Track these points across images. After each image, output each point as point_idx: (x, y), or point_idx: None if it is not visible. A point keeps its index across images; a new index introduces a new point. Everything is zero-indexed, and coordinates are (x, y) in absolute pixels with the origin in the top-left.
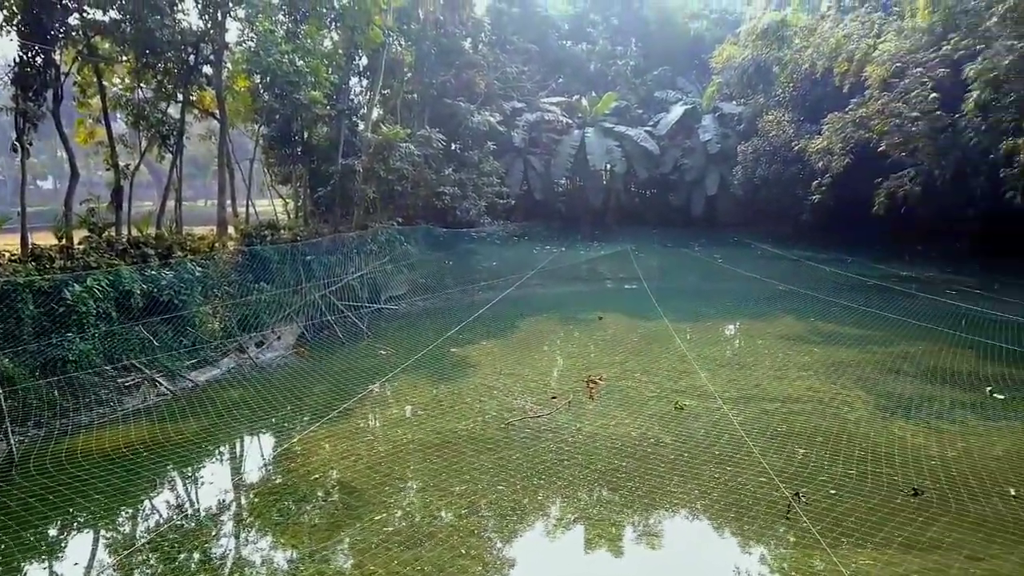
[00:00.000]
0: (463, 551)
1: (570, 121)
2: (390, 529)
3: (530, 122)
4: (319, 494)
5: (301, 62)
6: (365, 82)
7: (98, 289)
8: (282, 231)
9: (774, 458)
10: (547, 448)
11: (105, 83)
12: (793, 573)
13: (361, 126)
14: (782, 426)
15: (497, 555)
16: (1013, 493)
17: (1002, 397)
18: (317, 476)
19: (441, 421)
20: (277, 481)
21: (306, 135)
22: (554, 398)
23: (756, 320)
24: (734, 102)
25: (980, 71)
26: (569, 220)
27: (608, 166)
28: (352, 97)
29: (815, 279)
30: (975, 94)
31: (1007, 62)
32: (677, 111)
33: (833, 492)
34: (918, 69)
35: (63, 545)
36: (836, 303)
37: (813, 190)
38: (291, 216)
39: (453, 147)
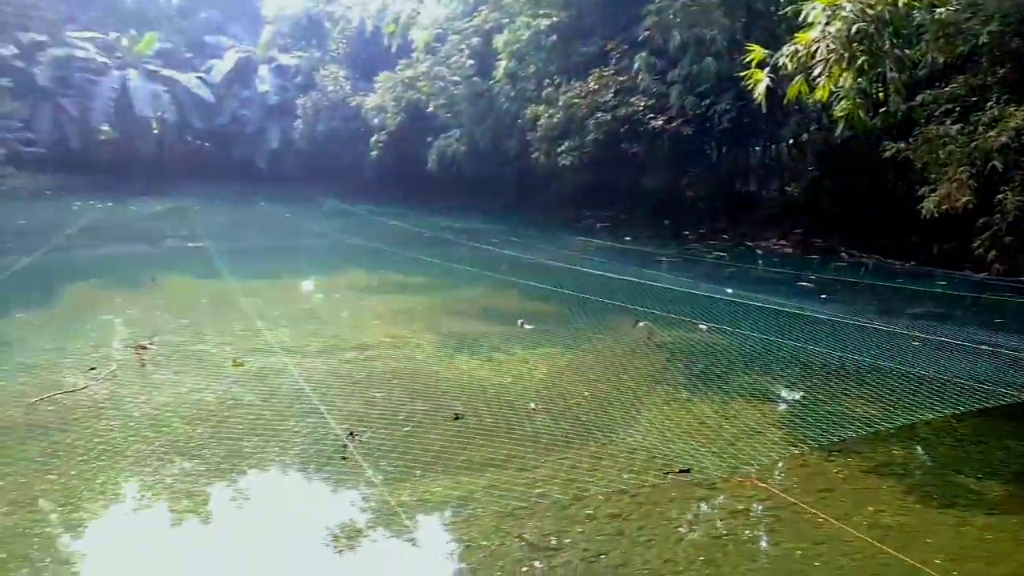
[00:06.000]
0: (4, 555)
1: (107, 61)
2: None
3: (57, 59)
4: None
5: None
6: None
7: None
8: None
9: (355, 404)
10: (108, 426)
11: None
12: (353, 508)
13: None
14: (362, 373)
15: (54, 554)
16: (532, 407)
17: (531, 327)
18: None
19: None
20: None
21: None
22: (92, 369)
23: (330, 275)
24: (290, 54)
25: (506, 43)
26: (116, 173)
27: (158, 114)
28: None
29: (381, 233)
30: (503, 64)
31: (526, 37)
32: (231, 58)
33: (397, 428)
34: (456, 36)
35: None
36: (401, 255)
37: (372, 146)
38: None
39: None
